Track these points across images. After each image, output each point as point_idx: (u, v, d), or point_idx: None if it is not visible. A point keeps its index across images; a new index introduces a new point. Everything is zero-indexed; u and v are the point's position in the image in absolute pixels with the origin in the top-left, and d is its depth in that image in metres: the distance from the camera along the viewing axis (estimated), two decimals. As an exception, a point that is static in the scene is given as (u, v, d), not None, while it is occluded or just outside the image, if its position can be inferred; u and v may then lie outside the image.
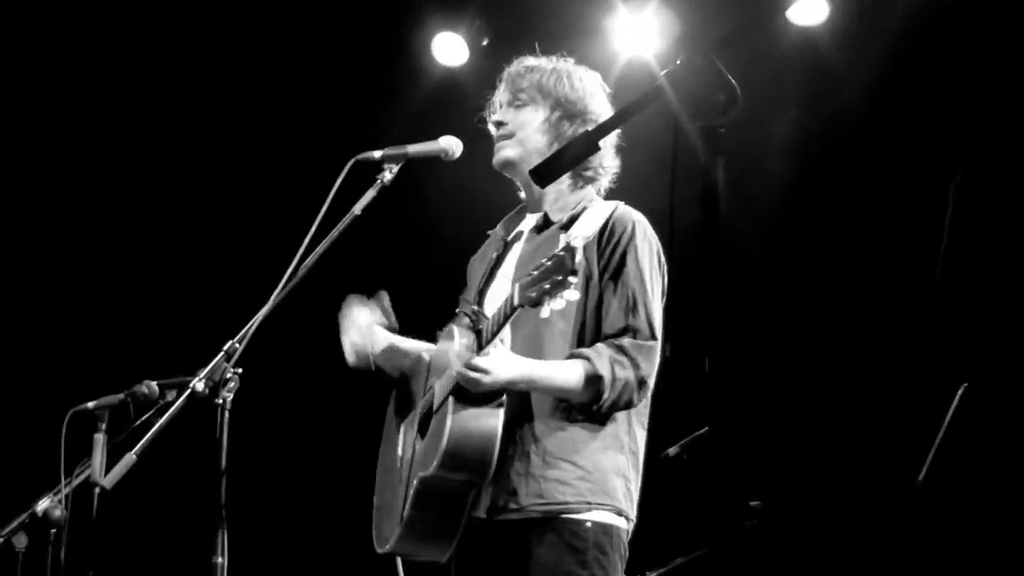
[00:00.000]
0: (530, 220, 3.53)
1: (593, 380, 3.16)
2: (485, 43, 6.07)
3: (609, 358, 3.17)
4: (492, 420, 3.13)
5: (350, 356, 3.61)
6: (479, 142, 3.57)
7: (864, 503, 5.31)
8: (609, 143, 3.50)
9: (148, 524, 5.96)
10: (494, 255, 3.54)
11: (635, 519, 3.31)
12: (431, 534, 3.24)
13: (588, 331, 3.27)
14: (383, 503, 3.49)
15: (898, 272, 5.70)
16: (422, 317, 3.66)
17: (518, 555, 3.18)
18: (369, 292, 3.69)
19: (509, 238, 3.56)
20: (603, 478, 3.21)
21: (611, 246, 3.29)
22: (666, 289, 3.39)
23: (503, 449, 3.15)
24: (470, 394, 3.12)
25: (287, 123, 6.29)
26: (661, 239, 3.41)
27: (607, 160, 3.52)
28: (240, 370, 2.97)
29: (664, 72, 2.58)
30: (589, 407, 3.20)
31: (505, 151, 3.49)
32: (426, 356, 3.54)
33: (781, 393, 5.73)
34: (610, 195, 3.53)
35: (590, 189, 3.50)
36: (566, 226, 3.28)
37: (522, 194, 3.59)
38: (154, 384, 3.31)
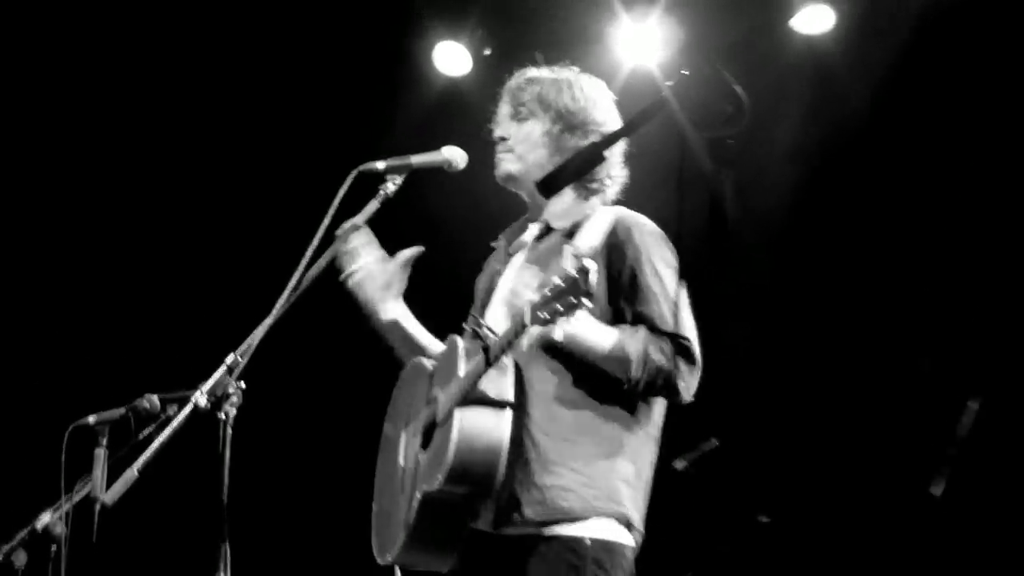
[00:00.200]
0: (532, 229, 3.51)
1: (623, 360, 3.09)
2: (487, 52, 6.05)
3: (644, 339, 3.11)
4: (498, 434, 3.10)
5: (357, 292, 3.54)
6: (483, 152, 3.55)
7: (871, 511, 5.29)
8: (616, 153, 3.47)
9: (150, 541, 5.94)
10: (498, 267, 3.52)
11: (643, 533, 3.26)
12: (433, 546, 3.22)
13: None
14: (382, 512, 3.47)
15: (901, 276, 5.68)
16: (428, 328, 3.64)
17: (517, 572, 3.15)
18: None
19: (511, 249, 3.53)
20: (607, 483, 3.17)
21: (619, 253, 3.25)
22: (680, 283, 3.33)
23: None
24: (475, 399, 3.09)
25: (287, 133, 6.28)
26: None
27: (614, 170, 3.49)
28: (243, 384, 2.93)
29: (669, 84, 2.56)
30: (619, 388, 3.14)
31: (505, 164, 3.47)
32: (427, 364, 3.50)
33: (785, 401, 5.72)
34: (616, 204, 3.49)
35: (595, 200, 3.47)
36: (569, 234, 3.27)
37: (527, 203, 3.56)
38: (155, 398, 3.30)
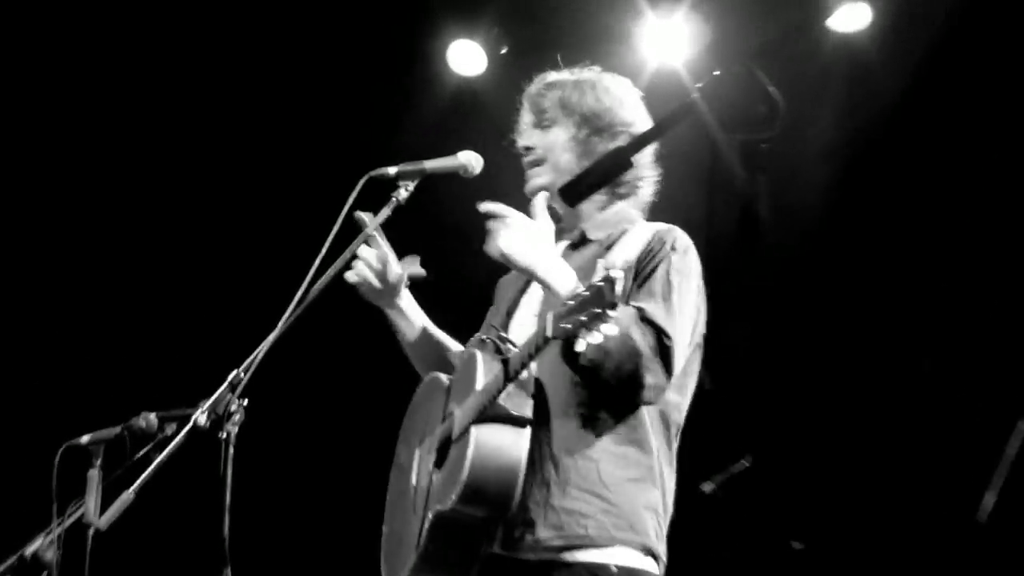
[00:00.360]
0: (566, 238, 3.41)
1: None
2: (504, 51, 5.99)
3: (632, 315, 2.96)
4: (516, 452, 2.99)
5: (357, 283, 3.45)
6: (500, 155, 3.46)
7: (911, 536, 5.21)
8: (647, 154, 3.39)
9: (146, 568, 5.90)
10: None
11: (666, 560, 3.14)
12: (446, 570, 3.11)
13: None
14: (393, 535, 3.38)
15: (938, 276, 5.69)
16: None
17: None
18: (382, 316, 3.56)
19: None
20: (631, 512, 3.06)
21: (647, 261, 3.15)
22: (702, 322, 3.21)
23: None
24: (493, 416, 2.98)
25: (298, 137, 6.24)
26: (698, 247, 3.24)
27: (645, 171, 3.41)
28: (246, 401, 2.86)
29: (699, 85, 2.44)
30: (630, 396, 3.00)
31: (537, 179, 3.39)
32: (444, 378, 3.41)
33: (820, 417, 5.65)
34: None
35: (626, 205, 3.39)
36: (607, 248, 3.20)
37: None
38: (153, 416, 3.21)
